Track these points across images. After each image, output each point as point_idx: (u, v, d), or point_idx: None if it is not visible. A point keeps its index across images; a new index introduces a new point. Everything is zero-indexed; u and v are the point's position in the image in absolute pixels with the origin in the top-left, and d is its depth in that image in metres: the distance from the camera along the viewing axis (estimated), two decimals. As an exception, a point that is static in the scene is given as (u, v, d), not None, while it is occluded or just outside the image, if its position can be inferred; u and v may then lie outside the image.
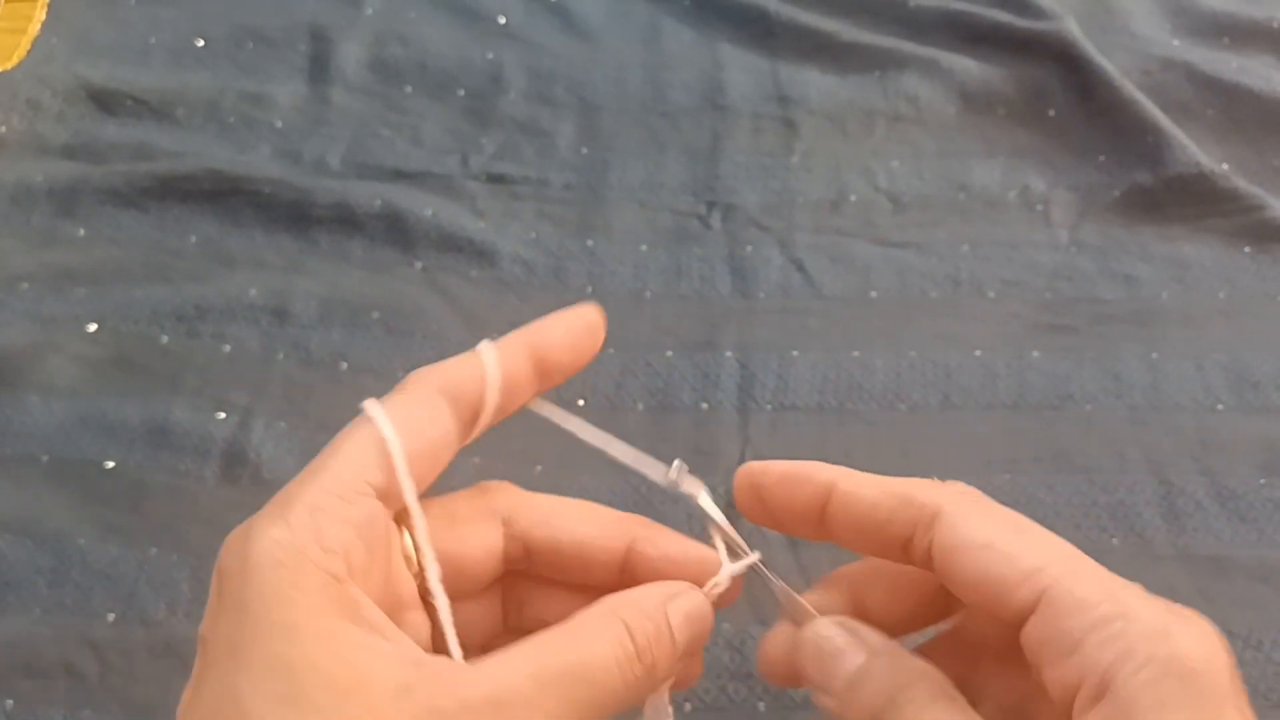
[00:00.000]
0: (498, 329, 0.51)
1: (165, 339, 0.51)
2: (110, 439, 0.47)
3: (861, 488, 0.29)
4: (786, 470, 0.30)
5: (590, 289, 0.53)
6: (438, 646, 0.28)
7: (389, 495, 0.27)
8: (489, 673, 0.24)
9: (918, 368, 0.50)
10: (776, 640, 0.30)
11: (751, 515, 0.31)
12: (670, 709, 0.29)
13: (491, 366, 0.29)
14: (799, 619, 0.29)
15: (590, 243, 0.55)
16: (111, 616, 0.42)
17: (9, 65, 0.62)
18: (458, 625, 0.28)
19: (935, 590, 0.30)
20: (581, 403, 0.49)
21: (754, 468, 0.31)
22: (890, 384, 0.49)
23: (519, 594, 0.31)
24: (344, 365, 0.50)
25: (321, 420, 0.48)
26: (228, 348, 0.50)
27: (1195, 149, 0.57)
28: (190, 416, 0.47)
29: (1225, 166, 0.57)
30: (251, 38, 0.66)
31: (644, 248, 0.55)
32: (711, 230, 0.56)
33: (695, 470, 0.46)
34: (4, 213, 0.56)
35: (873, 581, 0.30)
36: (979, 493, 0.28)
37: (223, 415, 0.48)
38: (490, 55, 0.65)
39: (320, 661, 0.23)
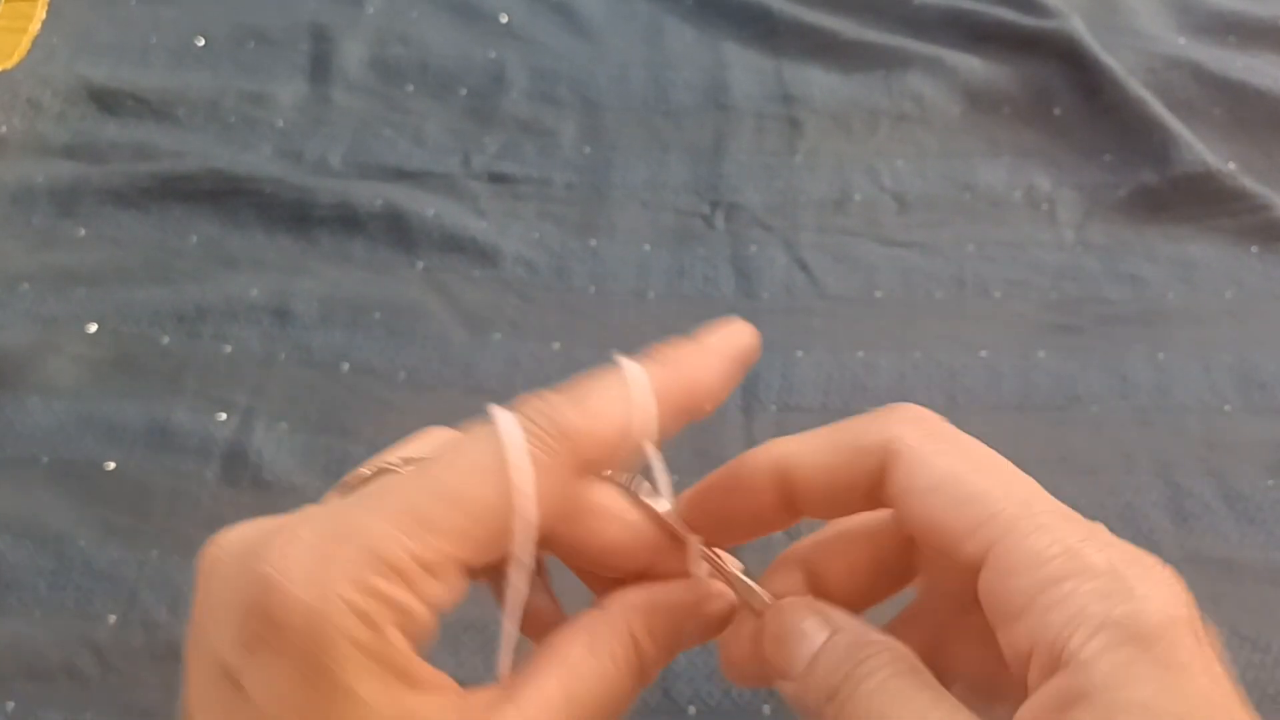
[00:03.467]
0: (499, 329, 0.51)
1: (166, 339, 0.51)
2: (111, 440, 0.47)
3: (814, 456, 0.27)
4: (724, 478, 0.28)
5: (593, 289, 0.53)
6: None
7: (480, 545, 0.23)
8: (526, 710, 0.23)
9: (922, 368, 0.50)
10: (738, 634, 0.28)
11: (715, 541, 0.28)
12: None
13: (646, 421, 0.25)
14: (757, 607, 0.27)
15: (593, 243, 0.55)
16: (113, 618, 0.41)
17: (9, 65, 0.62)
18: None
19: (893, 555, 0.28)
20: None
21: (689, 498, 0.28)
22: (895, 384, 0.49)
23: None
24: (345, 366, 0.50)
25: (323, 421, 0.48)
26: (229, 348, 0.50)
27: (1201, 148, 0.56)
28: (191, 417, 0.47)
29: (1232, 166, 0.57)
30: (253, 37, 0.66)
31: (647, 248, 0.55)
32: (715, 230, 0.56)
33: (699, 472, 0.46)
34: (5, 213, 0.56)
35: (827, 556, 0.28)
36: (937, 419, 0.26)
37: (224, 416, 0.47)
38: (492, 54, 0.65)
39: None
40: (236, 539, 0.23)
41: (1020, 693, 0.22)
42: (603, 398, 0.25)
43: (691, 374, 0.26)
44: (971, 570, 0.23)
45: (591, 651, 0.25)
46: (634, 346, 0.50)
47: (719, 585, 0.27)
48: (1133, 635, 0.21)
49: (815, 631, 0.25)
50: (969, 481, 0.24)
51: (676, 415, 0.26)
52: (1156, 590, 0.21)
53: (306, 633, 0.21)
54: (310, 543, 0.21)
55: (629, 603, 0.26)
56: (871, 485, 0.26)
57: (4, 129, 0.60)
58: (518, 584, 0.24)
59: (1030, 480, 0.25)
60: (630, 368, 0.26)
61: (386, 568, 0.21)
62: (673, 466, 0.48)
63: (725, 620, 0.27)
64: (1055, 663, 0.21)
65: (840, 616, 0.26)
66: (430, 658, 0.23)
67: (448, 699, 0.23)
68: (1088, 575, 0.21)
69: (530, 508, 0.23)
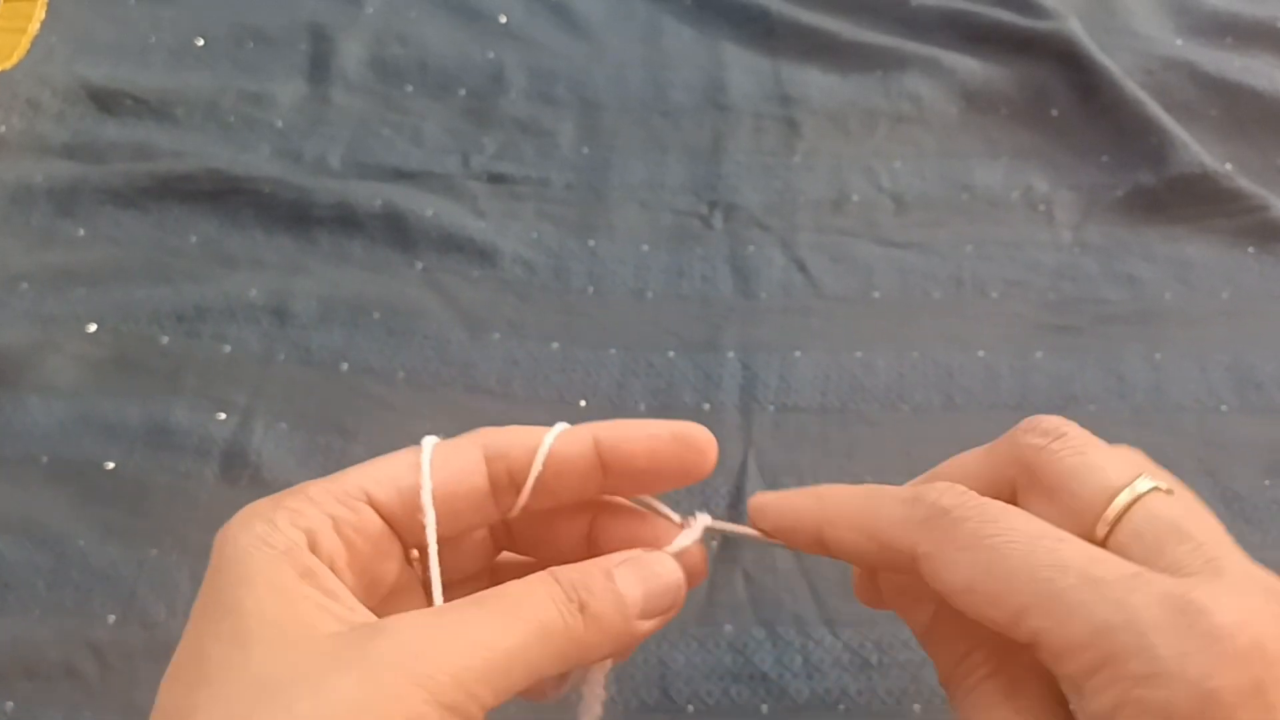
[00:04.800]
0: (498, 329, 0.51)
1: (165, 339, 0.51)
2: (110, 439, 0.47)
3: (844, 536, 0.30)
4: (779, 517, 0.32)
5: (591, 289, 0.53)
6: None
7: (398, 517, 0.29)
8: (431, 611, 0.26)
9: (920, 368, 0.50)
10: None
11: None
12: (604, 687, 0.30)
13: (546, 441, 0.30)
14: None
15: (591, 243, 0.55)
16: (111, 618, 0.41)
17: (8, 65, 0.62)
18: None
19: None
20: (583, 403, 0.49)
21: (755, 511, 0.33)
22: (893, 384, 0.49)
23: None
24: (344, 366, 0.50)
25: (322, 420, 0.48)
26: (228, 348, 0.50)
27: (1198, 149, 0.57)
28: (190, 417, 0.47)
29: (1228, 167, 0.57)
30: (252, 37, 0.66)
31: (645, 248, 0.55)
32: (713, 230, 0.56)
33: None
34: (3, 212, 0.56)
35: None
36: (949, 510, 0.27)
37: (223, 416, 0.48)
38: (491, 55, 0.65)
39: (268, 608, 0.25)
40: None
41: None
42: (517, 429, 0.31)
43: (611, 431, 0.30)
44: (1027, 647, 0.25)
45: (504, 586, 0.27)
46: (632, 346, 0.50)
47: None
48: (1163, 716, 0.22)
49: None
50: (994, 577, 0.25)
51: (591, 462, 0.30)
52: (1194, 662, 0.22)
53: (220, 539, 0.27)
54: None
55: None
56: (901, 566, 0.28)
57: (3, 129, 0.60)
58: (429, 512, 0.29)
59: (1058, 535, 0.26)
60: (558, 426, 0.31)
61: (302, 497, 0.28)
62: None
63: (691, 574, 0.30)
64: None
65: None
66: None
67: (347, 605, 0.26)
68: (1122, 661, 0.23)
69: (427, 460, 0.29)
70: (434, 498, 0.29)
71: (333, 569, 0.27)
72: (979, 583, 0.26)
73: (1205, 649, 0.22)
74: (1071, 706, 0.25)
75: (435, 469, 0.29)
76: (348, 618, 0.25)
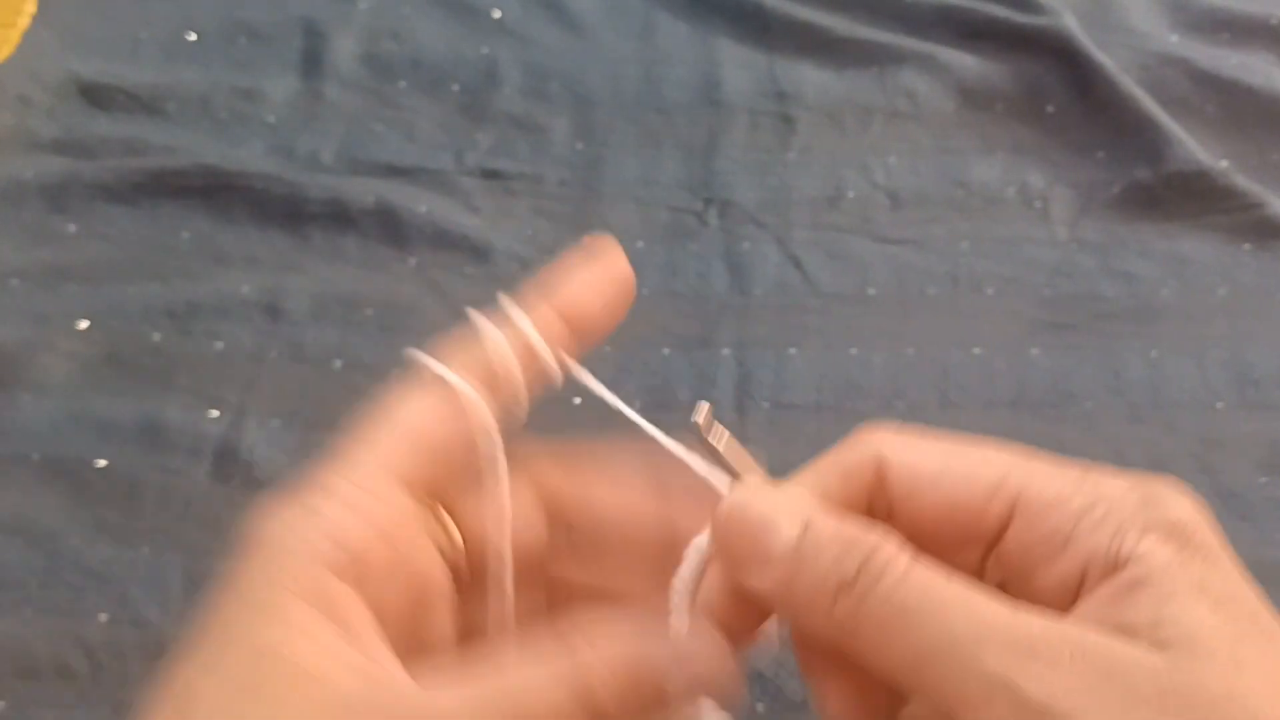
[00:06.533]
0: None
1: (157, 336, 0.50)
2: (102, 437, 0.46)
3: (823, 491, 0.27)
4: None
5: (586, 286, 0.53)
6: (466, 634, 0.27)
7: (428, 481, 0.26)
8: (432, 700, 0.23)
9: (916, 365, 0.50)
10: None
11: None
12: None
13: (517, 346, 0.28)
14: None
15: (586, 239, 0.55)
16: (104, 617, 0.41)
17: (-1, 60, 0.62)
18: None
19: None
20: (577, 400, 0.48)
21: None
22: (888, 382, 0.49)
23: (560, 567, 0.29)
24: (338, 363, 0.50)
25: (315, 418, 0.47)
26: (220, 345, 0.50)
27: (1195, 146, 0.56)
28: (182, 415, 0.47)
29: (1225, 163, 0.57)
30: (244, 32, 0.65)
31: (640, 245, 0.55)
32: (708, 227, 0.56)
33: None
34: (-6, 209, 0.56)
35: None
36: (907, 428, 0.27)
37: (215, 413, 0.47)
38: (484, 50, 0.64)
39: (286, 653, 0.22)
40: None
41: None
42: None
43: (569, 301, 0.29)
44: (991, 535, 0.25)
45: (520, 665, 0.23)
46: (627, 343, 0.50)
47: (710, 641, 0.25)
48: (1173, 533, 0.23)
49: (791, 514, 0.24)
50: (967, 459, 0.26)
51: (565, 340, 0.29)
52: (1177, 496, 0.24)
53: (243, 549, 0.24)
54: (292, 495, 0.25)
55: (597, 649, 0.23)
56: (866, 505, 0.27)
57: (-7, 124, 0.59)
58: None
59: (1013, 446, 0.26)
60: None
61: (336, 500, 0.24)
62: (666, 464, 0.48)
63: (709, 685, 0.24)
64: (1112, 567, 0.23)
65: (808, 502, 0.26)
66: None
67: (366, 659, 0.23)
68: (1115, 500, 0.24)
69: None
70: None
71: (381, 589, 0.24)
72: (952, 464, 0.26)
73: (1182, 492, 0.24)
74: (1042, 579, 0.24)
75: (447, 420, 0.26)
76: (361, 671, 0.22)
